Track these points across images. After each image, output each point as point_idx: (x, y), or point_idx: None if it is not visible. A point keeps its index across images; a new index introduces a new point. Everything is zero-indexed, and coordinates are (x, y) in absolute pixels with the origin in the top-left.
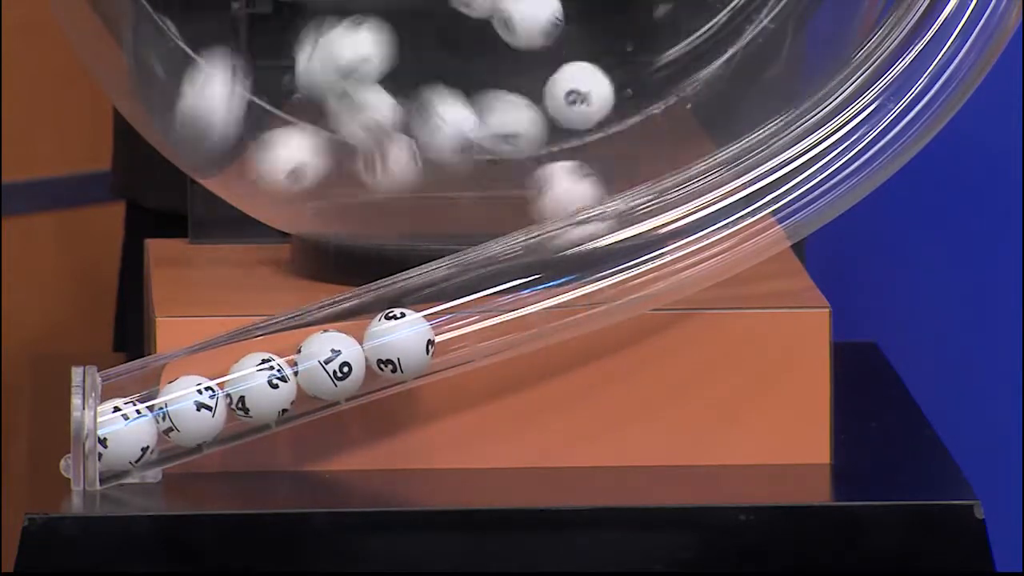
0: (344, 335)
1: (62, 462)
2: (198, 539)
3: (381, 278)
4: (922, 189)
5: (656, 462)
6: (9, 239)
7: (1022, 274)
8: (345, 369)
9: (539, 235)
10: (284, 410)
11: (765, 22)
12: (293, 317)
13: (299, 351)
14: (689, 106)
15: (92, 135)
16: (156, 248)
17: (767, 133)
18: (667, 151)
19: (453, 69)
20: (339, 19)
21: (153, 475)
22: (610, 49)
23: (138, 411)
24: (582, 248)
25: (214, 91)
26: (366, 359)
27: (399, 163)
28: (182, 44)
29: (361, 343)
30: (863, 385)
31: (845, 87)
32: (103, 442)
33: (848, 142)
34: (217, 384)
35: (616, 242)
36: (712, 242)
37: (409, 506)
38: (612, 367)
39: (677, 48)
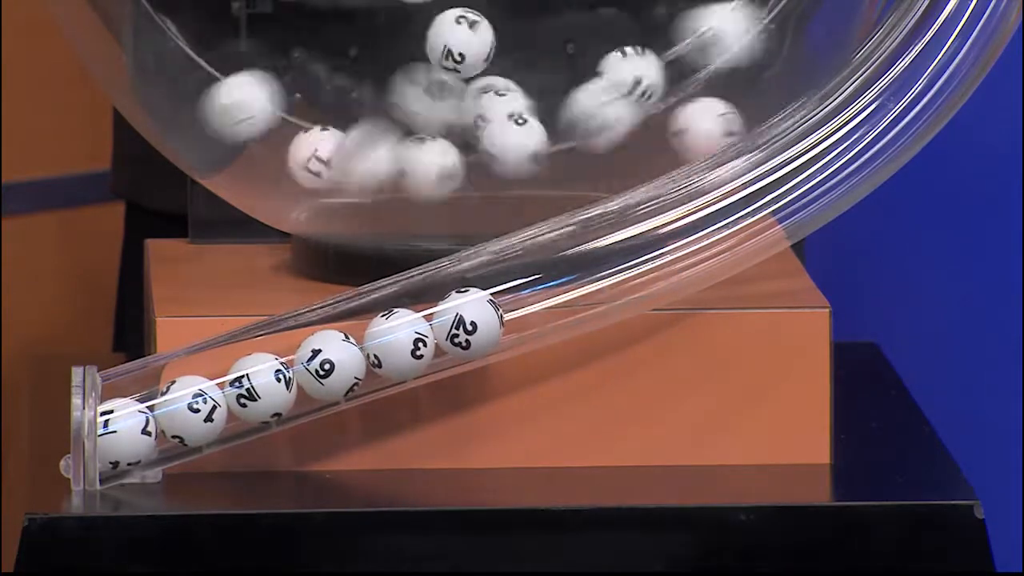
0: (337, 333)
1: (62, 462)
2: (198, 539)
3: (381, 278)
4: (922, 189)
5: (656, 462)
6: (9, 239)
7: (1022, 274)
8: (327, 367)
9: (539, 235)
10: (278, 413)
11: (765, 22)
12: (293, 317)
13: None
14: None
15: (92, 135)
16: (156, 248)
17: (767, 133)
18: (667, 151)
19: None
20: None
21: (153, 475)
22: (610, 49)
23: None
24: (582, 248)
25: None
26: (367, 355)
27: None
28: (182, 44)
29: (361, 342)
30: (863, 385)
31: (845, 87)
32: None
33: (848, 142)
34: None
35: (616, 242)
36: (712, 242)
37: (409, 506)
38: (612, 367)
39: (677, 48)
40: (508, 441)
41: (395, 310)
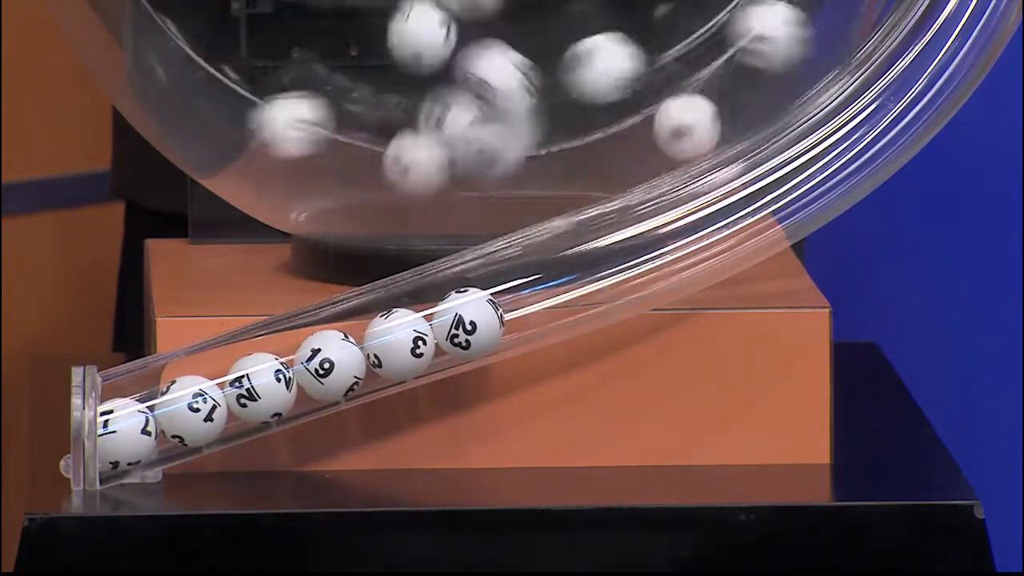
0: (337, 333)
1: (62, 462)
2: (198, 539)
3: (381, 278)
4: (922, 189)
5: (656, 462)
6: (9, 239)
7: (1022, 274)
8: (326, 366)
9: (539, 235)
10: (278, 413)
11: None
12: (293, 317)
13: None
14: None
15: (92, 135)
16: (156, 248)
17: (767, 133)
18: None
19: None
20: None
21: (153, 475)
22: None
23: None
24: (582, 248)
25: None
26: (367, 355)
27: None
28: (182, 44)
29: (361, 342)
30: (863, 385)
31: (845, 87)
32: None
33: (848, 142)
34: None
35: (616, 242)
36: (712, 242)
37: (409, 506)
38: (612, 367)
39: (677, 48)
40: (508, 441)
41: (395, 310)
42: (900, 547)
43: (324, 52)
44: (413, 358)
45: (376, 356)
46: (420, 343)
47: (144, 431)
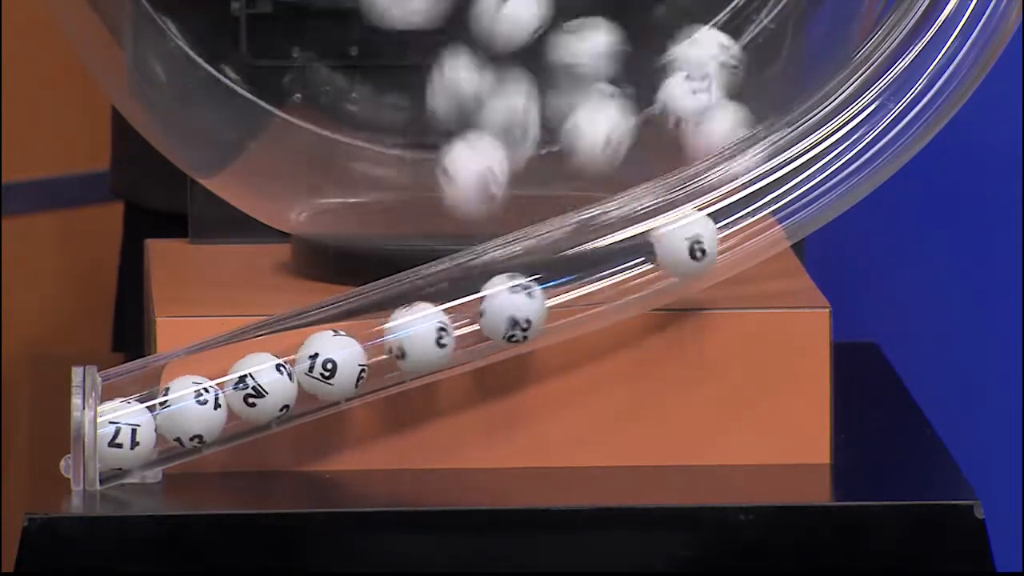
0: (338, 333)
1: (62, 462)
2: (198, 539)
3: (381, 278)
4: (922, 189)
5: (656, 462)
6: (9, 239)
7: (1022, 274)
8: (329, 366)
9: (539, 235)
10: (286, 406)
11: (765, 22)
12: (293, 317)
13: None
14: None
15: (92, 135)
16: (156, 248)
17: (767, 133)
18: (667, 151)
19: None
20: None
21: (153, 475)
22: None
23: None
24: (582, 248)
25: None
26: (388, 348)
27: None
28: (182, 44)
29: (364, 342)
30: (863, 385)
31: (845, 87)
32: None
33: (848, 142)
34: (217, 383)
35: (616, 242)
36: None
37: (409, 506)
38: (612, 367)
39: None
40: (508, 441)
41: (417, 303)
42: (900, 547)
43: (324, 52)
44: (438, 348)
45: (400, 348)
46: (443, 334)
47: (145, 433)
